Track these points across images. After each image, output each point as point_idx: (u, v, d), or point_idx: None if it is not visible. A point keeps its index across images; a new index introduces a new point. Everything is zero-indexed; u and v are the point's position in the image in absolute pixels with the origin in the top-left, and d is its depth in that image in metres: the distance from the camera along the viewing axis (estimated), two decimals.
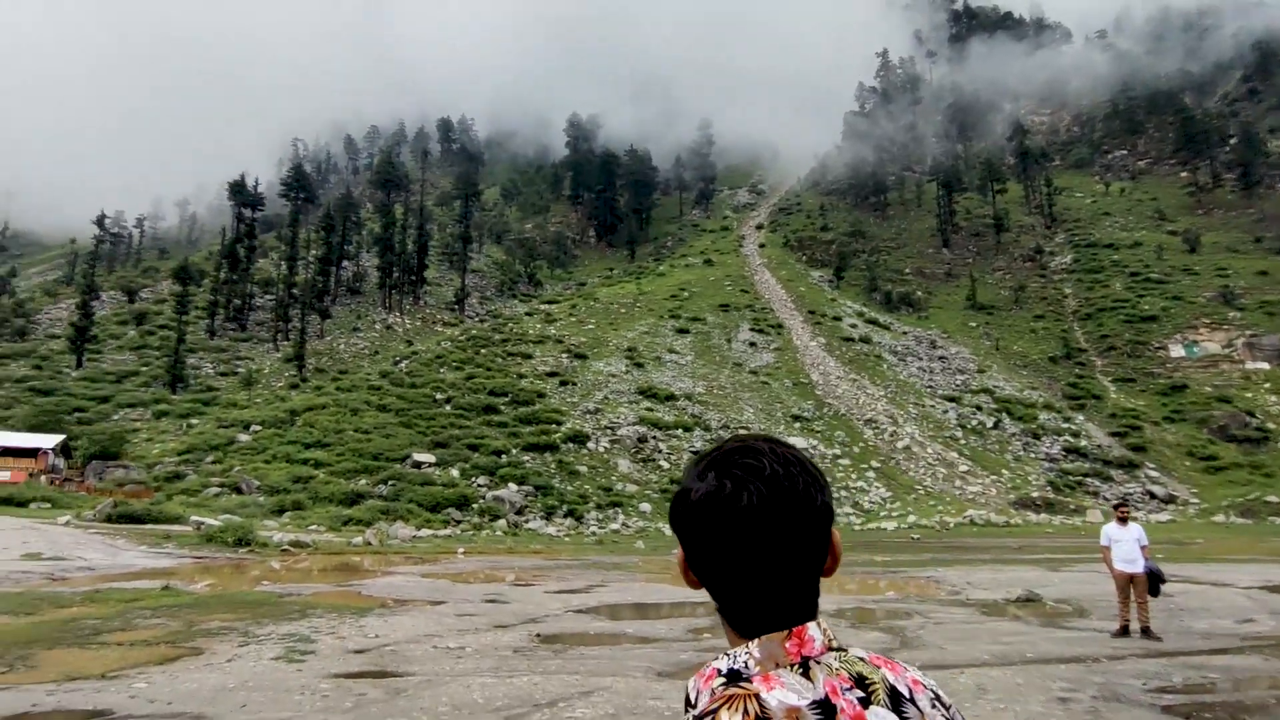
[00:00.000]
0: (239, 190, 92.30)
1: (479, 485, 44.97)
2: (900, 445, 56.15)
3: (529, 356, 68.19)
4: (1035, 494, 48.77)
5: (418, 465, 46.59)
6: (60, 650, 9.52)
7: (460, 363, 66.17)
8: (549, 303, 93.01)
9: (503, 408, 57.04)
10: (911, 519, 43.52)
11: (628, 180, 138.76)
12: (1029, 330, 79.08)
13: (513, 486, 44.75)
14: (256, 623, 11.33)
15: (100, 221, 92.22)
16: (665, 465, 51.19)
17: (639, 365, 67.64)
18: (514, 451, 49.51)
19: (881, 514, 45.97)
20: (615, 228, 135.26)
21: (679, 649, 10.29)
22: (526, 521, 41.85)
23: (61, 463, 45.62)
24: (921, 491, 49.73)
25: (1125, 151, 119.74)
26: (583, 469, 48.75)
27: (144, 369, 70.72)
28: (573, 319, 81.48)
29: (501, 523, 40.60)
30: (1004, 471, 53.11)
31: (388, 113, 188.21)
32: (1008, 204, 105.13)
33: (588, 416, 56.34)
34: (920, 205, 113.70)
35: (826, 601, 15.63)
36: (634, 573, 20.84)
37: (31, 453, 43.33)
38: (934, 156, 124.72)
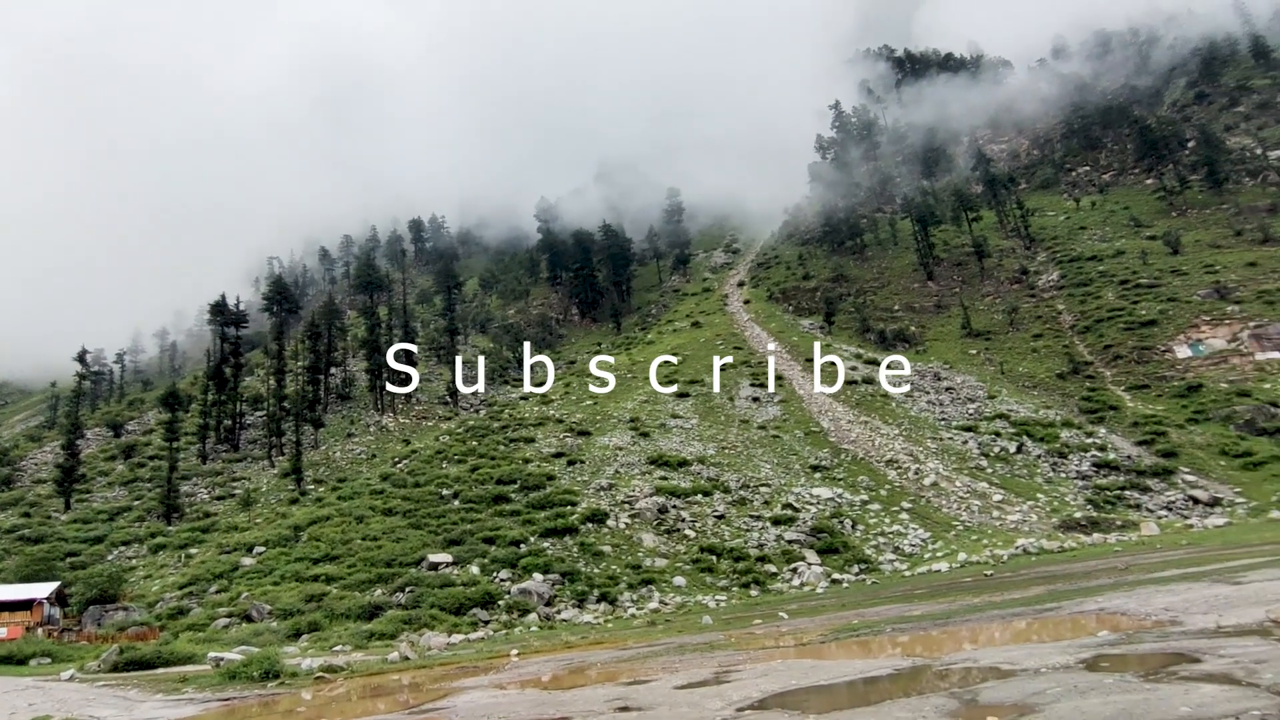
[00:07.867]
0: (220, 310, 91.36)
1: (501, 580, 42.69)
2: (927, 482, 54.50)
3: (531, 440, 66.52)
4: (1078, 514, 47.08)
5: (434, 567, 44.25)
6: None
7: (462, 455, 64.34)
8: (541, 384, 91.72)
9: (513, 495, 55.07)
10: (961, 557, 41.58)
11: (604, 255, 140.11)
12: (1030, 350, 78.65)
13: (538, 577, 42.45)
14: None
15: (81, 358, 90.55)
16: (691, 534, 49.12)
17: (645, 435, 66.10)
18: (532, 539, 47.33)
19: (926, 555, 43.98)
20: (597, 303, 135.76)
21: None
22: (559, 612, 39.47)
23: (57, 612, 42.79)
24: (960, 527, 47.87)
25: (1088, 167, 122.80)
26: (606, 549, 46.59)
27: (136, 503, 68.05)
28: (569, 397, 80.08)
29: (532, 617, 38.23)
30: (1039, 496, 51.46)
31: (358, 221, 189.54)
32: (984, 230, 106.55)
33: (602, 493, 54.42)
34: (897, 243, 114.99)
35: (1050, 650, 13.20)
36: (747, 650, 18.76)
37: (26, 605, 40.61)
38: (903, 195, 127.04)
